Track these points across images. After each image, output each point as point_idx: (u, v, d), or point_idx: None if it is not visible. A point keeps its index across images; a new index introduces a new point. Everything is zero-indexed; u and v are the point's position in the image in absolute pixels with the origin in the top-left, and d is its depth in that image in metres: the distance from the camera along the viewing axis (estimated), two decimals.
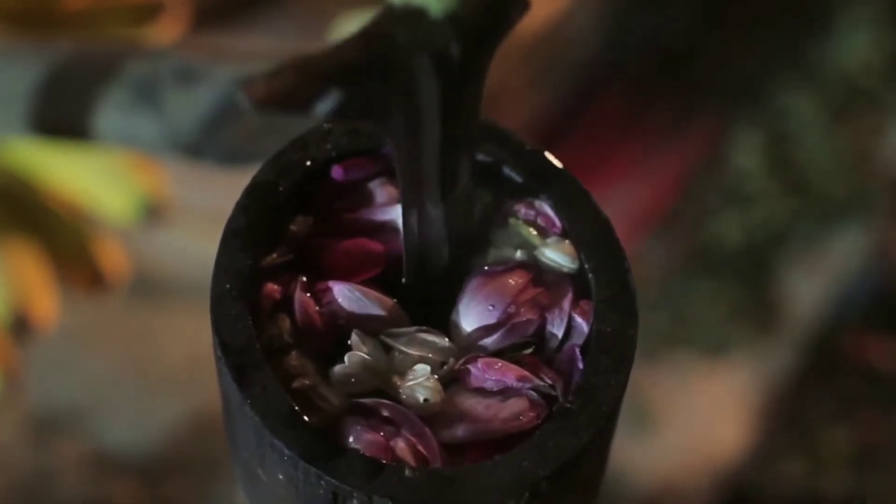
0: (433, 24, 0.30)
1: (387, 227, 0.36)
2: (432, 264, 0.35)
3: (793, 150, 1.27)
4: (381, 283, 0.35)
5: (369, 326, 0.35)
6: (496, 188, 0.37)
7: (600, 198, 0.36)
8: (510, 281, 0.35)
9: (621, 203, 1.20)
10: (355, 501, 0.32)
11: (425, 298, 0.35)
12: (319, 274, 0.35)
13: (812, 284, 1.21)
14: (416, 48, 0.30)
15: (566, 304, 0.35)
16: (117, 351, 1.09)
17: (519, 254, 0.36)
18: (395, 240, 0.36)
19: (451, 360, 0.34)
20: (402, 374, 0.34)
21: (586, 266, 0.35)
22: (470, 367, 0.34)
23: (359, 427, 0.33)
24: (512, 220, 0.36)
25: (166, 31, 0.74)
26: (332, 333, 0.35)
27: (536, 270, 0.35)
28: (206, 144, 0.56)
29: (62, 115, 0.60)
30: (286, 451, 0.32)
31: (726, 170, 1.26)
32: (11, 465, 1.04)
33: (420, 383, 0.33)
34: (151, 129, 0.57)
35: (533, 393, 0.34)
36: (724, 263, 1.21)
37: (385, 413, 0.33)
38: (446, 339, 0.35)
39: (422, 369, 0.34)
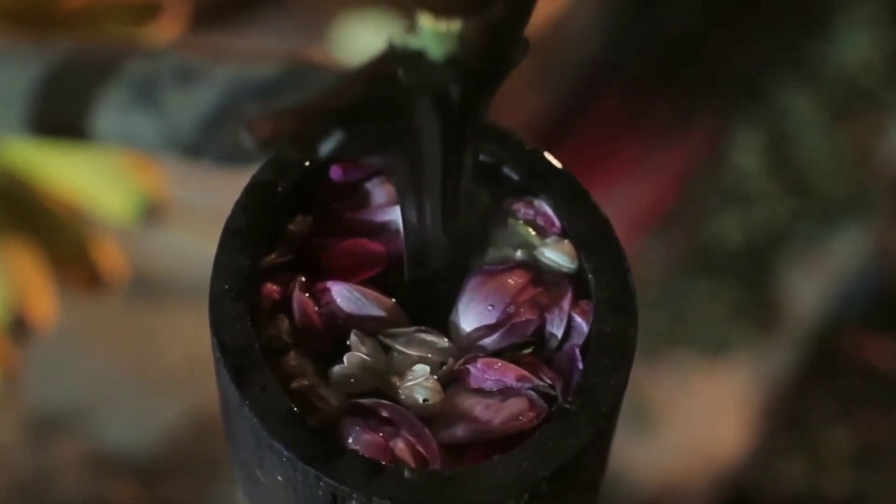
0: (434, 66, 0.30)
1: (386, 227, 0.36)
2: (432, 264, 0.35)
3: (793, 149, 1.27)
4: (381, 283, 0.35)
5: (368, 327, 0.34)
6: (496, 188, 0.36)
7: (600, 198, 0.36)
8: (510, 281, 0.35)
9: (621, 203, 1.20)
10: (354, 502, 0.32)
11: (425, 298, 0.35)
12: (318, 274, 0.35)
13: (812, 284, 1.21)
14: (417, 90, 0.30)
15: (566, 304, 0.35)
16: (117, 351, 1.09)
17: (518, 253, 0.36)
18: (394, 240, 0.36)
19: (451, 361, 0.34)
20: (402, 375, 0.34)
21: (586, 266, 0.35)
22: (469, 367, 0.34)
23: (358, 428, 0.33)
24: (511, 220, 0.36)
25: (166, 30, 0.74)
26: (331, 334, 0.34)
27: (536, 270, 0.35)
28: (205, 144, 0.56)
29: (61, 115, 0.60)
30: (285, 452, 0.32)
31: (726, 170, 1.26)
32: (11, 465, 1.04)
33: (419, 383, 0.33)
34: (151, 129, 0.57)
35: (532, 393, 0.34)
36: (724, 263, 1.21)
37: (384, 413, 0.33)
38: (445, 340, 0.34)
39: (421, 369, 0.34)
